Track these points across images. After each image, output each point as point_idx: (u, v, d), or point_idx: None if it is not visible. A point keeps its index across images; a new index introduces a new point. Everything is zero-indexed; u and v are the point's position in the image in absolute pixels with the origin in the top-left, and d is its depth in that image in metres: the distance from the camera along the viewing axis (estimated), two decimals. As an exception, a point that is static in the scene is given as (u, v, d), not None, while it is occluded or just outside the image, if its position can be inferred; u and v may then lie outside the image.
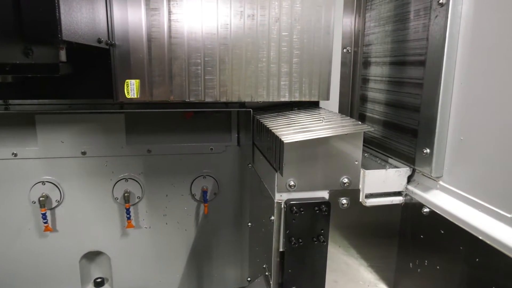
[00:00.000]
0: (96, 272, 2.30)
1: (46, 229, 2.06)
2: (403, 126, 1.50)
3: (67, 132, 2.00)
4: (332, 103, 1.81)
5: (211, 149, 2.15)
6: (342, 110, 1.92)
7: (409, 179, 1.48)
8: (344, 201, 1.44)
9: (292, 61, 1.60)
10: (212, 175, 2.18)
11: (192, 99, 1.59)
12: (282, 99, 1.65)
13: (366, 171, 1.42)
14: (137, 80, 1.54)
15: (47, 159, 2.03)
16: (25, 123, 1.96)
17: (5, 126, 1.95)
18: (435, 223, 1.30)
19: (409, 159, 1.46)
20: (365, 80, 1.82)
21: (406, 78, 1.48)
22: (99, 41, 1.31)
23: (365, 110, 1.83)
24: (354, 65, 1.90)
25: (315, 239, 1.38)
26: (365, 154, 1.73)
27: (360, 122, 1.43)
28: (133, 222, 2.15)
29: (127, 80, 1.53)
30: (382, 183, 1.46)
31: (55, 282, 2.17)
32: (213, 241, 2.29)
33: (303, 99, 1.66)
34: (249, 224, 2.02)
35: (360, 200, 1.46)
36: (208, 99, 1.60)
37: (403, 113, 1.50)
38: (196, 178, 2.18)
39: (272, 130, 1.40)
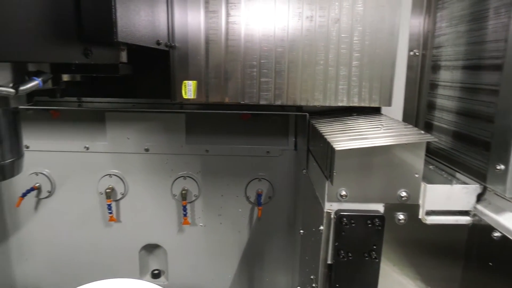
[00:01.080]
0: (154, 264, 2.41)
1: (111, 219, 2.20)
2: (474, 137, 1.34)
3: (133, 129, 2.12)
4: (395, 109, 1.69)
5: (268, 152, 2.13)
6: (407, 117, 1.78)
7: (479, 198, 1.32)
8: (401, 216, 1.33)
9: (351, 64, 1.52)
10: (267, 178, 2.17)
11: (246, 101, 1.58)
12: (340, 104, 1.57)
13: (428, 185, 1.29)
14: (194, 81, 1.57)
15: (115, 154, 2.16)
16: (96, 119, 2.11)
17: (79, 122, 2.12)
18: (507, 250, 1.14)
19: (479, 175, 1.30)
20: (434, 86, 1.66)
21: (479, 84, 1.32)
22: (158, 43, 1.36)
23: (432, 118, 1.67)
24: (422, 69, 1.75)
25: (366, 255, 1.28)
26: (430, 167, 1.58)
27: (423, 132, 1.31)
28: (189, 219, 2.21)
29: (184, 81, 1.57)
30: (446, 199, 1.32)
31: (116, 270, 2.30)
32: (265, 245, 2.27)
33: (362, 105, 1.57)
34: (301, 231, 1.96)
35: (420, 217, 1.34)
36: (262, 102, 1.58)
37: (474, 123, 1.34)
38: (251, 181, 2.17)
39: (325, 136, 1.34)
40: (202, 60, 1.55)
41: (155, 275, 2.39)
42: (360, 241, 1.28)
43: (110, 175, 2.18)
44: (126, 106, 2.05)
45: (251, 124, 2.11)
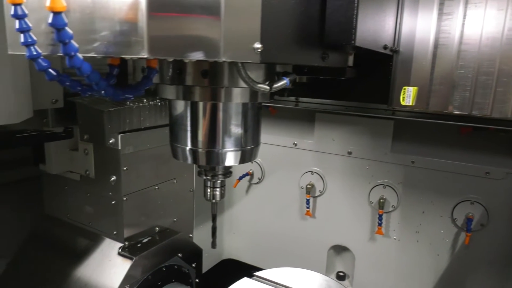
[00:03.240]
0: (340, 265, 2.44)
1: (307, 213, 2.34)
2: None
3: (339, 131, 2.19)
4: None
5: (487, 173, 1.85)
6: None
7: None
8: None
9: None
10: (482, 202, 1.89)
11: (475, 112, 1.41)
12: None
13: None
14: (415, 88, 1.50)
15: (319, 153, 2.28)
16: (307, 119, 2.28)
17: (293, 119, 2.33)
18: None
19: None
20: None
21: None
22: (385, 47, 1.35)
23: None
24: None
25: None
26: None
27: None
28: (383, 230, 2.14)
29: (404, 87, 1.51)
30: None
31: (304, 262, 2.43)
32: (469, 278, 1.99)
33: None
34: (524, 273, 1.63)
35: None
36: (495, 115, 1.38)
37: None
38: (461, 202, 1.94)
39: None
40: (427, 66, 1.46)
41: (340, 277, 2.41)
42: None
43: (312, 172, 2.32)
44: (335, 108, 2.13)
45: (470, 139, 1.87)
